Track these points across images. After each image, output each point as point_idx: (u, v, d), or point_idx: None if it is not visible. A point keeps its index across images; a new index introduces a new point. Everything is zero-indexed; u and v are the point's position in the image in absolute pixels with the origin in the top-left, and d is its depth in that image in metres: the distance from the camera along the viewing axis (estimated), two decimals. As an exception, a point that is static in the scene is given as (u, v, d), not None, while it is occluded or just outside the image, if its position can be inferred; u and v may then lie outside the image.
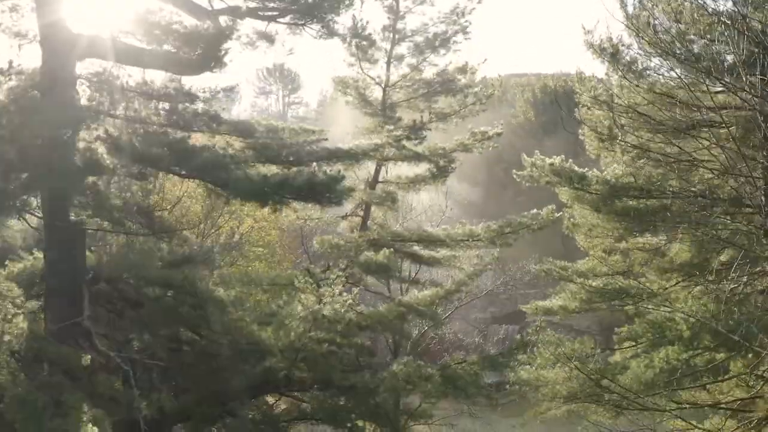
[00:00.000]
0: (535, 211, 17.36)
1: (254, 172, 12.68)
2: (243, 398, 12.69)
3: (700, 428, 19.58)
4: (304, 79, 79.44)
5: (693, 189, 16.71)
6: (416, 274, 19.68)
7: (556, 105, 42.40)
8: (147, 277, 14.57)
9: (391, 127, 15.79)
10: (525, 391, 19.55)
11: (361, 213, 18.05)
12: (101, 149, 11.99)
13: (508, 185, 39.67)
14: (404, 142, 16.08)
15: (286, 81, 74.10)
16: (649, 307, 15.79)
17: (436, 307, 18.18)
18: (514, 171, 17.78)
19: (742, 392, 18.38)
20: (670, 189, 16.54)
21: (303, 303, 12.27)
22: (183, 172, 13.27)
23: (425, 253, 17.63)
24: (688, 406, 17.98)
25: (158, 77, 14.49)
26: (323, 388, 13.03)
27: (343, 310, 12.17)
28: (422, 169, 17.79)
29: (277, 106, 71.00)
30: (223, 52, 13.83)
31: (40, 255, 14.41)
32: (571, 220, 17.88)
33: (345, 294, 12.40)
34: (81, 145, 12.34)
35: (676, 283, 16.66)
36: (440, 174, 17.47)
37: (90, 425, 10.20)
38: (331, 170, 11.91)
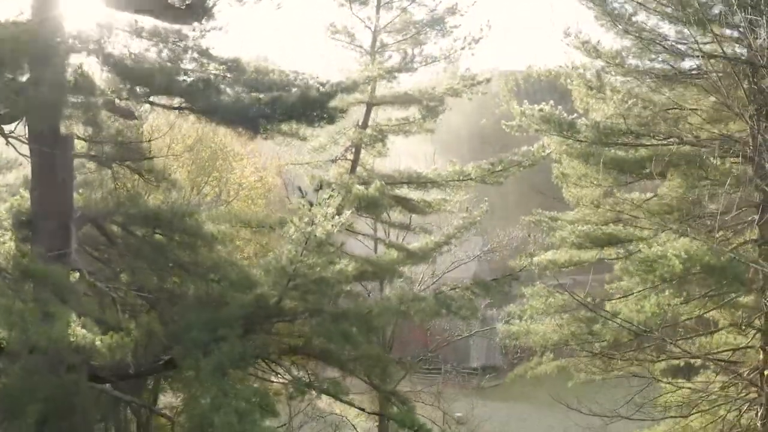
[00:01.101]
0: (525, 148, 17.37)
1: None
2: (234, 325, 12.46)
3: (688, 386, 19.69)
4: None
5: (682, 136, 16.85)
6: (410, 221, 19.37)
7: (540, 93, 42.85)
8: (135, 214, 14.43)
9: (383, 59, 15.80)
10: (514, 344, 19.63)
11: (351, 157, 18.00)
12: (92, 64, 11.88)
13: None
14: (395, 75, 16.11)
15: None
16: (641, 247, 15.74)
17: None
18: (503, 122, 17.84)
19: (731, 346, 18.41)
20: (661, 134, 16.65)
21: (295, 224, 12.11)
22: (174, 101, 13.12)
23: (416, 195, 17.58)
24: (677, 356, 18.02)
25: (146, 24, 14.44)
26: (314, 315, 12.83)
27: (336, 231, 12.04)
28: (411, 112, 17.80)
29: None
30: (212, 3, 13.77)
31: (26, 194, 14.22)
32: (560, 169, 17.92)
33: (337, 217, 12.25)
34: (71, 68, 12.23)
35: (666, 228, 16.63)
36: (429, 115, 17.44)
37: (79, 328, 10.00)
38: (324, 88, 11.81)
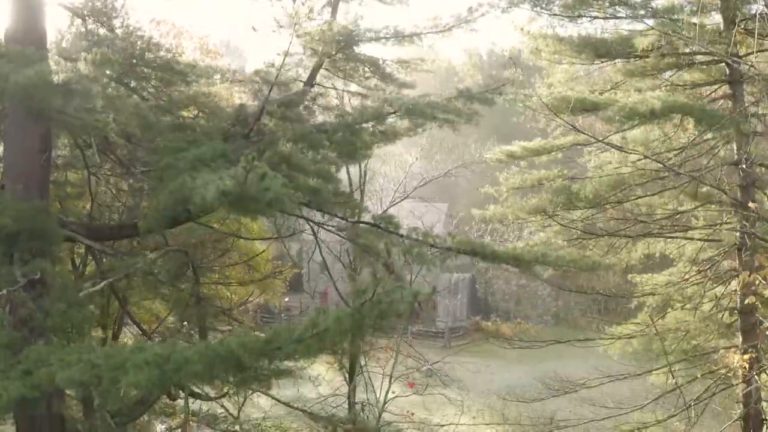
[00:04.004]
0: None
1: None
2: (213, 137, 12.13)
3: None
4: (251, 56, 77.89)
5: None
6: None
7: (502, 69, 43.30)
8: (107, 56, 14.07)
9: None
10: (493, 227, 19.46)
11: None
12: None
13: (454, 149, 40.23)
14: None
15: (232, 56, 73.36)
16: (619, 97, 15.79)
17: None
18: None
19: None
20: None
21: (277, 23, 11.85)
22: None
23: (393, 56, 17.28)
24: (655, 234, 17.98)
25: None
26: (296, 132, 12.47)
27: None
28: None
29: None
30: None
31: None
32: (535, 46, 17.90)
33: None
34: None
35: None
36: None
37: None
38: None
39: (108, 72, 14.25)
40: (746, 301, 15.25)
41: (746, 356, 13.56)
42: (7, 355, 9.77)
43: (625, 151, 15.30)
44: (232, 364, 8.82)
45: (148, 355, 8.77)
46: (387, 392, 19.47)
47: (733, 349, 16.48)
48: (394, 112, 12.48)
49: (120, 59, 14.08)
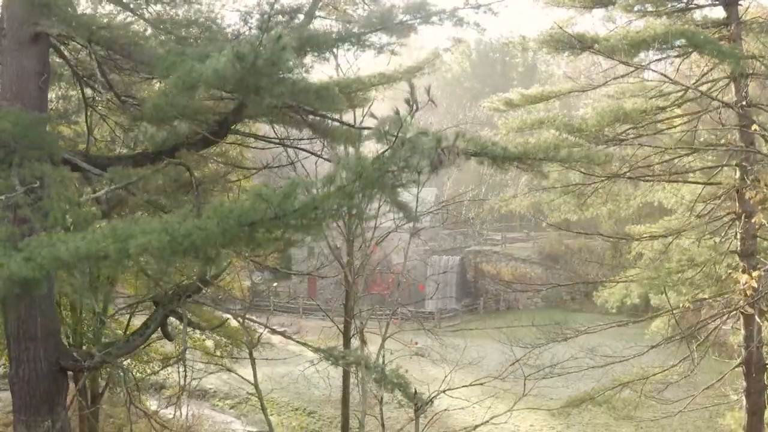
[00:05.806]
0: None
1: None
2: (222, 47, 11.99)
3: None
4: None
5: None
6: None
7: (490, 59, 43.70)
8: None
9: None
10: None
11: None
12: None
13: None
14: None
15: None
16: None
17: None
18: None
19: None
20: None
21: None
22: None
23: None
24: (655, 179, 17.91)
25: None
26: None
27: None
28: None
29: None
30: None
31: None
32: (534, -10, 17.86)
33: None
34: None
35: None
36: None
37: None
38: None
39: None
40: (753, 220, 15.12)
41: (755, 273, 13.40)
42: (7, 246, 9.43)
43: (631, 65, 15.20)
44: (246, 227, 8.52)
45: (156, 223, 8.51)
46: (383, 344, 19.13)
47: (739, 270, 16.33)
48: (404, 19, 12.31)
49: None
